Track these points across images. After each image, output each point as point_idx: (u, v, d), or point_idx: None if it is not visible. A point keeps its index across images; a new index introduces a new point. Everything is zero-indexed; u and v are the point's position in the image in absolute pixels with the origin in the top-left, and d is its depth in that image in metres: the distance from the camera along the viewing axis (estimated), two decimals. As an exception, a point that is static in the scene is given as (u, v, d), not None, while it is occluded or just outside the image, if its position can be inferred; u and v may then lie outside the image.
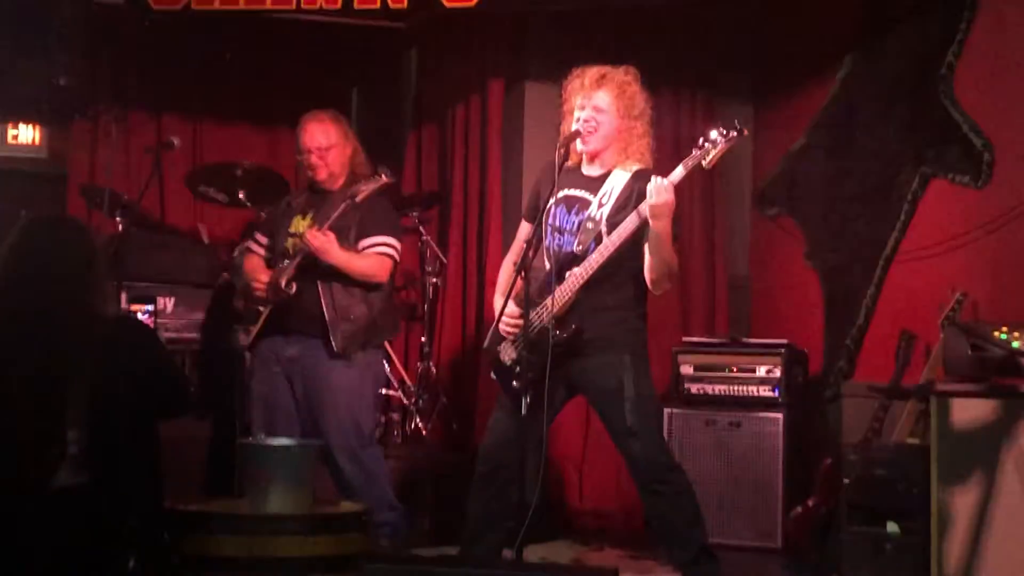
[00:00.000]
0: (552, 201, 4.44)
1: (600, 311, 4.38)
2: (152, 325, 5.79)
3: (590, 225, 4.42)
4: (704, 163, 4.36)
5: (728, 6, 7.03)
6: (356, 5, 6.23)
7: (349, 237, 5.04)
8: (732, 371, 6.13)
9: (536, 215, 4.56)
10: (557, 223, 4.51)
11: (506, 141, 7.07)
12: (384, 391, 6.66)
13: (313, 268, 4.98)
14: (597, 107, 4.55)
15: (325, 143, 5.14)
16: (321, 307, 4.99)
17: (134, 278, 5.94)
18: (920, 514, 4.58)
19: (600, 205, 4.44)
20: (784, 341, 6.18)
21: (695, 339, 6.46)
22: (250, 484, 3.93)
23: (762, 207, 7.11)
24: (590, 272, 4.34)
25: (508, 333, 4.49)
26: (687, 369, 6.22)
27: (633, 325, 4.50)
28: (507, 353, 4.50)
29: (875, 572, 4.85)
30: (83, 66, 6.77)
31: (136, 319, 5.21)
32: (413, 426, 6.70)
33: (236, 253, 5.55)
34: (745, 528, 5.94)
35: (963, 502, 4.41)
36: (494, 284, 6.82)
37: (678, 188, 4.30)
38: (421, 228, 6.91)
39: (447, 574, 3.51)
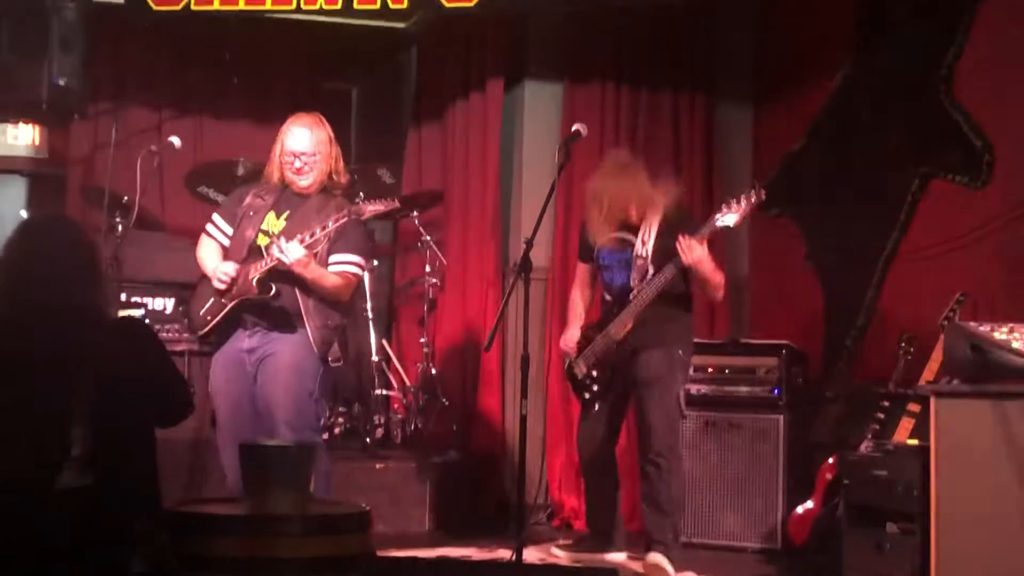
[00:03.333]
0: (599, 246, 5.39)
1: (655, 321, 5.22)
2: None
3: (639, 262, 5.24)
4: (724, 223, 5.06)
5: (728, 6, 7.04)
6: (356, 5, 6.23)
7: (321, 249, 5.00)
8: (732, 372, 6.13)
9: (587, 255, 5.54)
10: (608, 261, 5.41)
11: (505, 141, 7.08)
12: (384, 392, 6.67)
13: (286, 272, 4.94)
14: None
15: (312, 150, 5.03)
16: (299, 310, 4.95)
17: (134, 278, 5.94)
18: (920, 514, 4.58)
19: (643, 243, 5.26)
20: (784, 341, 6.18)
21: (695, 340, 6.44)
22: (249, 484, 3.93)
23: (762, 207, 7.11)
24: (643, 305, 5.18)
25: (573, 351, 5.45)
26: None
27: (680, 325, 5.36)
28: (579, 368, 5.42)
29: (875, 572, 4.86)
30: (83, 66, 6.76)
31: (140, 321, 5.20)
32: (413, 426, 6.71)
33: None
34: (745, 529, 5.94)
35: (963, 502, 4.40)
36: (493, 285, 6.89)
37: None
38: (421, 228, 6.91)
39: (447, 574, 3.51)
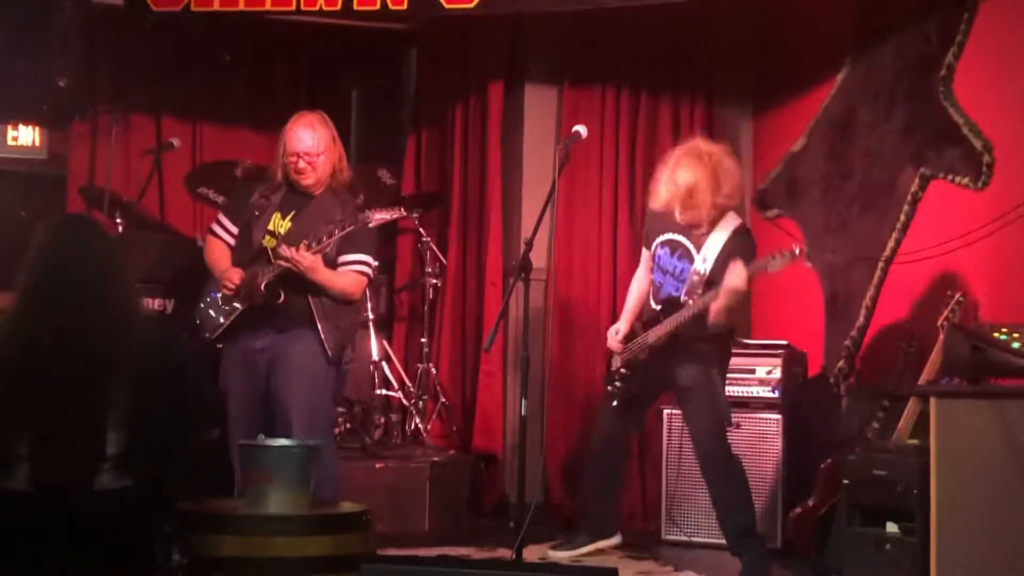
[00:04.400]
0: (658, 242, 5.35)
1: (692, 339, 5.21)
2: None
3: (695, 279, 5.19)
4: (768, 270, 5.07)
5: (728, 6, 7.04)
6: (356, 6, 6.22)
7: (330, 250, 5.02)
8: (732, 372, 6.13)
9: (650, 243, 5.45)
10: (663, 264, 5.35)
11: (505, 142, 7.08)
12: (384, 391, 6.67)
13: (295, 276, 4.97)
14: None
15: (315, 149, 5.06)
16: (310, 312, 4.98)
17: (134, 279, 5.93)
18: (920, 514, 4.57)
19: (704, 260, 5.20)
20: (784, 342, 6.19)
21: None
22: (250, 484, 3.93)
23: (762, 208, 7.11)
24: (686, 319, 5.16)
25: (612, 348, 5.48)
26: (687, 370, 6.21)
27: (721, 343, 5.34)
28: (615, 361, 5.47)
29: (875, 572, 4.85)
30: (83, 67, 6.77)
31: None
32: (413, 426, 6.71)
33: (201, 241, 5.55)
34: (745, 528, 5.93)
35: (963, 502, 4.40)
36: (494, 284, 6.89)
37: None
38: (421, 229, 6.91)
39: (447, 574, 3.51)
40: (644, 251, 5.58)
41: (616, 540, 5.68)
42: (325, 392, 5.05)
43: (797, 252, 4.93)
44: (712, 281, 5.12)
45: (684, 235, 5.31)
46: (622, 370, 5.41)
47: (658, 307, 5.33)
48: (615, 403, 5.46)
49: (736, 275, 4.96)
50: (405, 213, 5.28)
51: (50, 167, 7.57)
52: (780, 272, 5.13)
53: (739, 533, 5.27)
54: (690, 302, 5.17)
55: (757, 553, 5.25)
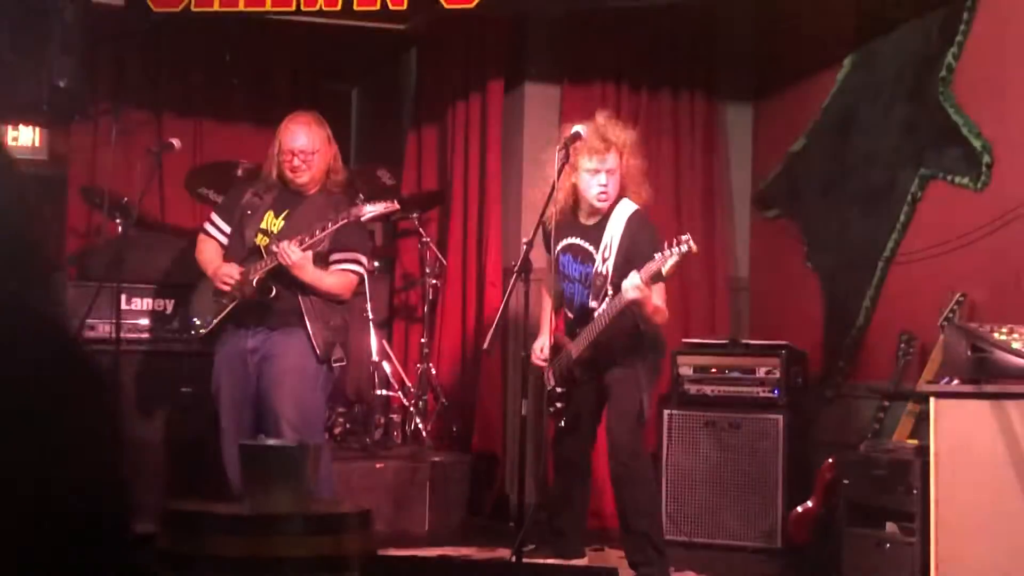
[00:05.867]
0: (558, 249, 5.02)
1: (615, 340, 4.92)
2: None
3: (599, 282, 4.94)
4: (663, 269, 4.66)
5: (728, 6, 7.04)
6: (356, 6, 6.22)
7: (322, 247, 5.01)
8: (732, 372, 6.14)
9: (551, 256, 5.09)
10: (568, 272, 5.11)
11: (506, 142, 7.08)
12: (384, 391, 6.67)
13: (287, 273, 4.96)
14: (610, 170, 4.99)
15: (310, 147, 5.06)
16: (300, 310, 4.97)
17: (134, 279, 5.94)
18: (920, 514, 4.58)
19: (603, 260, 4.94)
20: (784, 342, 6.19)
21: (695, 340, 6.47)
22: (250, 484, 3.94)
23: (762, 208, 7.12)
24: (601, 328, 4.89)
25: (538, 365, 5.18)
26: (687, 370, 6.22)
27: (648, 343, 5.02)
28: (548, 380, 5.17)
29: (875, 572, 4.86)
30: (83, 68, 6.76)
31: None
32: (413, 426, 6.71)
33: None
34: (745, 529, 5.94)
35: (963, 502, 4.40)
36: (494, 285, 6.89)
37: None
38: (421, 229, 6.92)
39: (447, 574, 3.51)
40: (548, 262, 5.29)
41: (583, 562, 5.38)
42: (316, 392, 5.03)
43: (686, 248, 4.58)
44: (617, 282, 4.84)
45: (582, 237, 5.08)
46: (557, 389, 5.13)
47: (573, 317, 5.14)
48: (562, 423, 5.14)
49: (632, 287, 4.69)
50: (398, 207, 5.23)
51: (50, 168, 7.57)
52: (677, 269, 4.72)
53: (642, 541, 4.98)
54: (600, 309, 4.91)
55: (658, 566, 4.97)
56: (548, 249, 5.06)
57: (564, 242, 5.07)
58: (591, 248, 5.04)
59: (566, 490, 5.34)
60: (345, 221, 4.87)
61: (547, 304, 5.37)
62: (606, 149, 4.98)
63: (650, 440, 6.46)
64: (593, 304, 4.96)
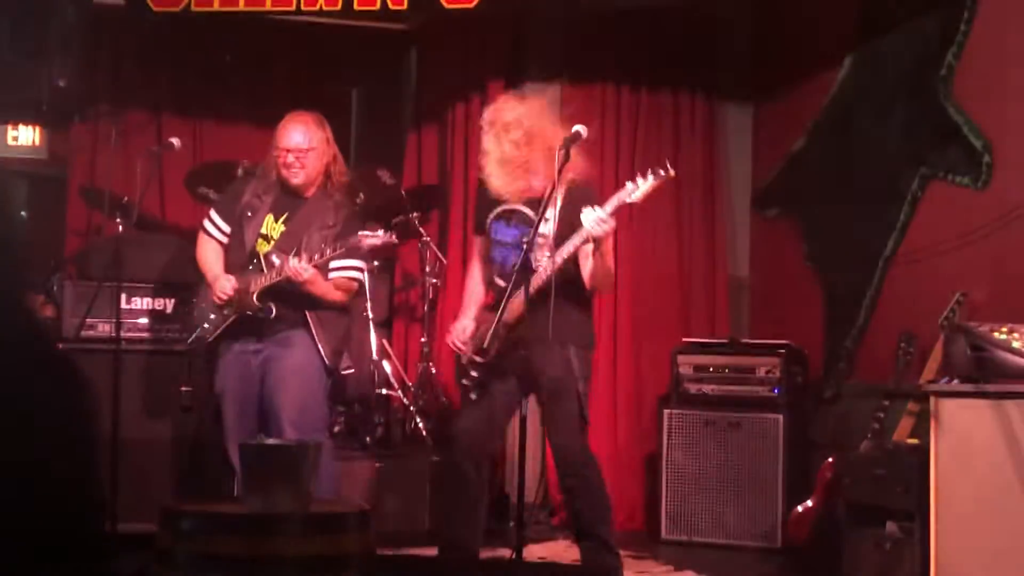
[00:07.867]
0: (491, 218, 4.82)
1: (549, 313, 4.40)
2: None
3: (540, 241, 4.61)
4: (630, 199, 4.50)
5: (728, 6, 7.04)
6: (356, 6, 6.22)
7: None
8: (732, 372, 6.13)
9: (483, 227, 4.91)
10: (500, 238, 4.83)
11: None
12: (384, 391, 6.67)
13: (289, 286, 4.95)
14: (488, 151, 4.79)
15: (305, 145, 5.04)
16: (306, 320, 5.00)
17: (134, 278, 5.94)
18: (920, 513, 4.58)
19: (546, 221, 4.58)
20: (784, 341, 6.19)
21: (695, 339, 6.47)
22: (250, 484, 3.94)
23: (762, 208, 7.12)
24: (542, 281, 4.53)
25: (466, 346, 4.79)
26: (687, 369, 6.22)
27: (577, 318, 4.73)
28: (464, 356, 4.81)
29: (875, 572, 4.86)
30: (83, 67, 6.76)
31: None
32: (413, 426, 6.70)
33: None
34: (745, 528, 5.94)
35: (963, 502, 4.40)
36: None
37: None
38: (421, 229, 6.91)
39: (447, 574, 3.51)
40: (477, 240, 5.09)
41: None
42: (319, 395, 5.07)
43: (663, 173, 4.44)
44: (561, 237, 4.54)
45: (517, 204, 4.82)
46: (475, 358, 4.69)
47: (504, 283, 4.68)
48: (474, 395, 4.72)
49: (592, 219, 4.42)
50: (395, 240, 5.26)
51: (50, 167, 7.57)
52: (648, 195, 4.51)
53: (598, 546, 4.79)
54: (543, 263, 4.56)
55: (615, 568, 4.82)
56: (480, 225, 4.95)
57: (496, 211, 4.85)
58: (528, 211, 4.76)
59: (457, 490, 4.92)
60: (345, 250, 4.87)
61: (471, 285, 5.03)
62: (485, 132, 4.83)
63: (650, 440, 6.47)
64: (534, 261, 4.56)
